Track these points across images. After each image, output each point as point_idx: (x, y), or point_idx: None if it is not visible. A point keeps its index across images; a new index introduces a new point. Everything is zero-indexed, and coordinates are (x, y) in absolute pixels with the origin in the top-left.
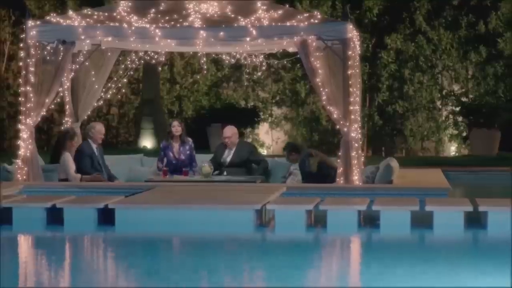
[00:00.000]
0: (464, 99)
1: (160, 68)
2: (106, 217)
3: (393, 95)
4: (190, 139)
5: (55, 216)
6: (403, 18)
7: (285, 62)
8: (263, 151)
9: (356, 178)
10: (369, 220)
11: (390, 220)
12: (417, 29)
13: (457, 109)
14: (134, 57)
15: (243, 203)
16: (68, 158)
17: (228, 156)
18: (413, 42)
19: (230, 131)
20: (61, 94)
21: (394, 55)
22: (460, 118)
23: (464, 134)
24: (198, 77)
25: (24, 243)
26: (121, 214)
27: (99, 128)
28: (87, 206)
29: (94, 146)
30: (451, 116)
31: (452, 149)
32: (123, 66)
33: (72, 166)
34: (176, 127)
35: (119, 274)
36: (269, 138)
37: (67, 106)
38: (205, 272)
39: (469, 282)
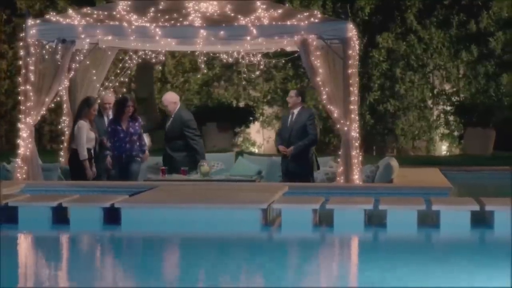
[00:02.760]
0: (455, 98)
1: (160, 67)
2: (110, 216)
3: (385, 94)
4: (139, 118)
5: (59, 215)
6: (395, 17)
7: (283, 62)
8: (255, 150)
9: (357, 177)
10: (373, 219)
11: (396, 219)
12: (408, 28)
13: (448, 108)
14: (134, 56)
15: (250, 202)
16: (81, 127)
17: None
18: (405, 41)
19: (166, 100)
20: (60, 93)
21: (386, 54)
22: (451, 117)
23: (456, 133)
24: (199, 75)
25: (32, 243)
26: (127, 213)
27: (102, 97)
28: (93, 205)
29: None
30: (442, 115)
31: (443, 148)
32: (120, 65)
33: (82, 138)
34: (130, 107)
35: (128, 274)
36: (260, 137)
37: (65, 105)
38: (213, 271)
39: (478, 282)
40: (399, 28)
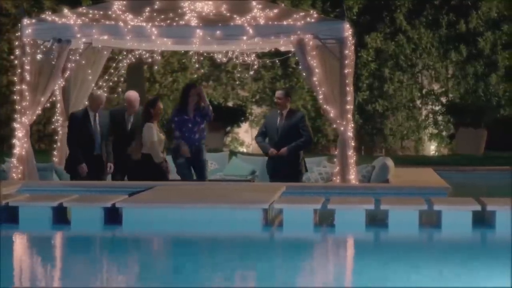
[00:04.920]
0: (444, 98)
1: (156, 67)
2: (109, 215)
3: (373, 94)
4: (207, 108)
5: (59, 215)
6: (383, 17)
7: (277, 61)
8: (243, 150)
9: (353, 177)
10: (374, 219)
11: (398, 220)
12: (397, 28)
13: (437, 108)
14: (130, 55)
15: (251, 202)
16: (148, 128)
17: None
18: (393, 41)
19: (137, 100)
20: (55, 92)
21: (374, 54)
22: (440, 117)
23: (444, 133)
24: (195, 76)
25: (34, 243)
26: (128, 213)
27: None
28: (95, 205)
29: (91, 114)
30: (431, 115)
31: (431, 148)
32: (114, 65)
33: (151, 137)
34: (193, 97)
35: (131, 274)
36: (248, 137)
37: (58, 105)
38: (217, 271)
39: (481, 282)
40: (388, 28)
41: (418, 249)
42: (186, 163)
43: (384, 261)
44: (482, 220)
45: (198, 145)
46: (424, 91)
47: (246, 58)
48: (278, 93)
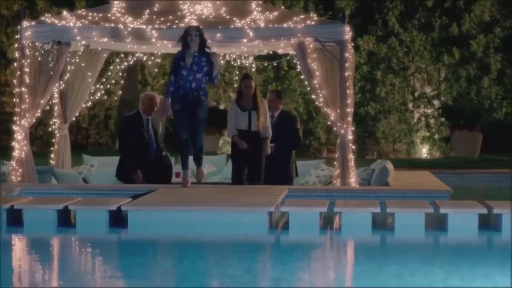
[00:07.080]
0: (436, 101)
1: (156, 70)
2: (113, 218)
3: (365, 97)
4: (211, 51)
5: (63, 218)
6: (376, 20)
7: (275, 63)
8: None
9: (353, 180)
10: (379, 222)
11: (404, 223)
12: (389, 31)
13: (429, 111)
14: (129, 58)
15: (257, 205)
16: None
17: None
18: (386, 43)
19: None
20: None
21: (366, 56)
22: (432, 120)
23: (437, 136)
24: None
25: (39, 246)
26: (134, 216)
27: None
28: (100, 208)
29: (144, 117)
30: (423, 118)
31: (423, 151)
32: (111, 67)
33: (228, 117)
34: (193, 37)
35: (138, 275)
36: None
37: (56, 107)
38: (223, 274)
39: (493, 284)
40: (380, 30)
41: (425, 252)
42: (180, 110)
43: (391, 264)
44: (488, 223)
45: (197, 95)
46: (416, 94)
47: (243, 61)
48: (270, 95)
